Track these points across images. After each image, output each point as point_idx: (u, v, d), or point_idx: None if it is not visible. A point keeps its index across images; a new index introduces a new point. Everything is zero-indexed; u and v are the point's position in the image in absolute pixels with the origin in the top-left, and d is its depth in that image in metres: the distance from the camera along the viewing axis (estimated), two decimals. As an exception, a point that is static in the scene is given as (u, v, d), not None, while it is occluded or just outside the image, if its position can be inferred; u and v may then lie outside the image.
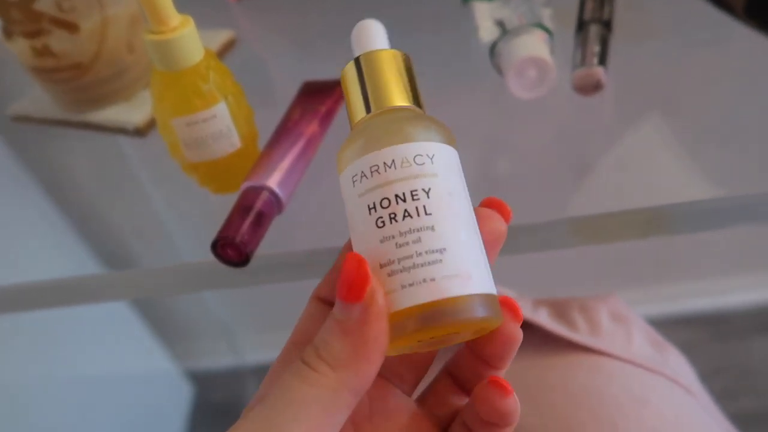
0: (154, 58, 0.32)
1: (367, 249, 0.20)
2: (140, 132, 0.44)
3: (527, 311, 0.41)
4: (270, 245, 0.35)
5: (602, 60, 0.38)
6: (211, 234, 0.42)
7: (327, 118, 0.39)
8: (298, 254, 0.36)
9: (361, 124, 0.22)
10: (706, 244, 1.07)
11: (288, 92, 0.51)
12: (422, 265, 0.19)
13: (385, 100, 0.22)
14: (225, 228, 0.32)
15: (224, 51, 0.51)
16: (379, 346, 0.18)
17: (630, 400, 0.35)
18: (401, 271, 0.19)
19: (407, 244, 0.19)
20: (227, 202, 0.39)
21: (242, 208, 0.33)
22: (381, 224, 0.20)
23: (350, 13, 0.57)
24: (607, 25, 0.41)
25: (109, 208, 0.54)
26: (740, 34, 0.43)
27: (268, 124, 0.39)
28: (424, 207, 0.19)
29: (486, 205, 0.22)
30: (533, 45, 0.39)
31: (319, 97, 0.40)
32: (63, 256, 0.61)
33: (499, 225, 0.21)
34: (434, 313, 0.19)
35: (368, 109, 0.22)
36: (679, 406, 0.36)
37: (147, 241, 0.50)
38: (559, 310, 0.42)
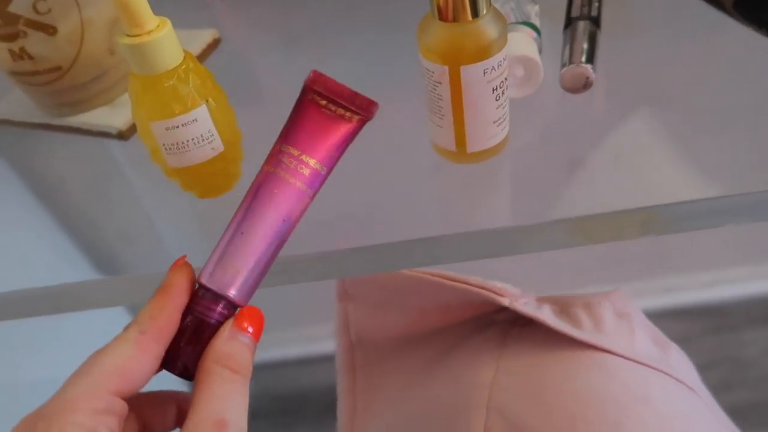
0: (131, 61, 0.31)
1: (485, 113, 0.34)
2: (123, 136, 0.43)
3: (531, 308, 0.40)
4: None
5: (590, 58, 0.38)
6: (201, 237, 0.42)
7: (329, 160, 0.29)
8: (296, 257, 0.35)
9: (474, 24, 0.31)
10: (698, 237, 1.07)
11: (274, 91, 0.50)
12: (506, 118, 0.36)
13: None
14: (171, 352, 0.26)
15: (208, 51, 0.50)
16: None
17: (633, 399, 0.34)
18: (502, 122, 0.35)
19: (503, 107, 0.34)
20: (216, 204, 0.38)
21: (194, 328, 0.27)
22: (497, 98, 0.33)
23: (335, 9, 0.56)
24: (595, 22, 0.40)
25: (96, 211, 0.53)
26: (729, 27, 0.42)
27: (253, 124, 0.38)
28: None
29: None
30: (521, 44, 0.38)
31: (322, 125, 0.29)
32: (48, 260, 0.60)
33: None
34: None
35: (475, 13, 0.31)
36: (682, 404, 0.36)
37: (135, 245, 0.49)
38: (563, 307, 0.42)
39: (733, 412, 0.45)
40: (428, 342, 0.45)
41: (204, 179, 0.36)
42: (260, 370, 1.10)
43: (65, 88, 0.42)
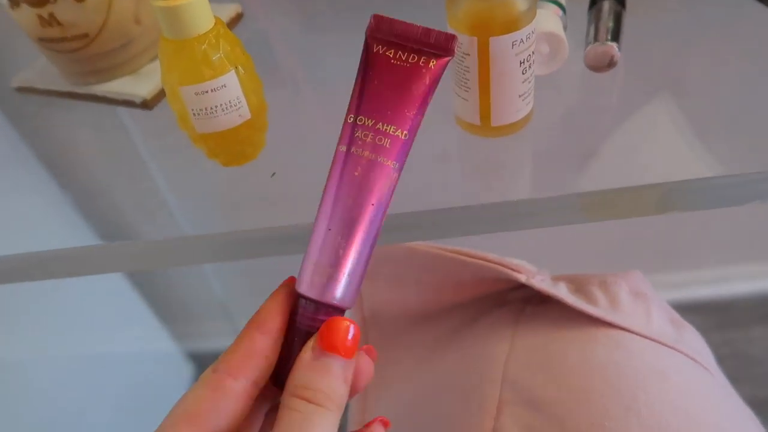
0: (163, 25, 0.31)
1: (512, 86, 0.34)
2: (147, 105, 0.44)
3: (547, 285, 0.40)
4: (276, 218, 0.35)
5: (615, 36, 0.38)
6: (215, 208, 0.42)
7: (411, 122, 0.25)
8: (302, 227, 0.35)
9: None
10: (708, 233, 1.07)
11: (294, 66, 0.50)
12: (531, 93, 0.36)
13: None
14: (281, 371, 0.25)
15: (231, 25, 0.50)
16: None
17: (649, 375, 0.34)
18: (527, 97, 0.35)
19: (529, 81, 0.35)
20: (230, 176, 0.39)
21: (300, 343, 0.24)
22: (524, 71, 0.33)
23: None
24: (620, 1, 0.40)
25: (113, 181, 0.53)
26: (756, 10, 0.42)
27: (274, 98, 0.38)
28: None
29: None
30: (546, 20, 0.38)
31: (396, 83, 0.25)
32: (64, 229, 0.60)
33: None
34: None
35: None
36: (697, 383, 0.36)
37: (150, 216, 0.50)
38: (579, 285, 0.42)
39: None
40: (442, 319, 0.45)
41: (230, 146, 0.36)
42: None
43: (91, 55, 0.43)
